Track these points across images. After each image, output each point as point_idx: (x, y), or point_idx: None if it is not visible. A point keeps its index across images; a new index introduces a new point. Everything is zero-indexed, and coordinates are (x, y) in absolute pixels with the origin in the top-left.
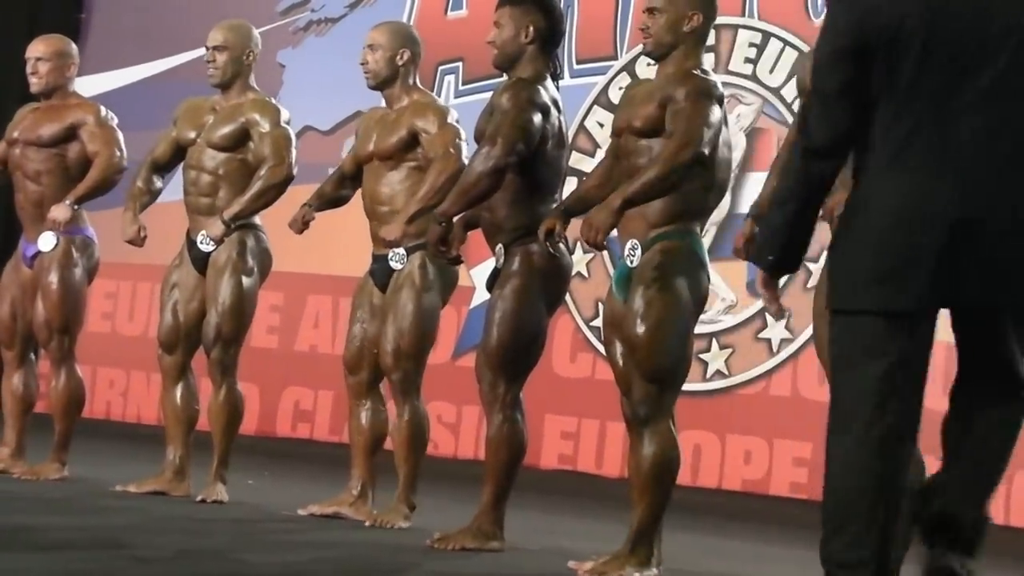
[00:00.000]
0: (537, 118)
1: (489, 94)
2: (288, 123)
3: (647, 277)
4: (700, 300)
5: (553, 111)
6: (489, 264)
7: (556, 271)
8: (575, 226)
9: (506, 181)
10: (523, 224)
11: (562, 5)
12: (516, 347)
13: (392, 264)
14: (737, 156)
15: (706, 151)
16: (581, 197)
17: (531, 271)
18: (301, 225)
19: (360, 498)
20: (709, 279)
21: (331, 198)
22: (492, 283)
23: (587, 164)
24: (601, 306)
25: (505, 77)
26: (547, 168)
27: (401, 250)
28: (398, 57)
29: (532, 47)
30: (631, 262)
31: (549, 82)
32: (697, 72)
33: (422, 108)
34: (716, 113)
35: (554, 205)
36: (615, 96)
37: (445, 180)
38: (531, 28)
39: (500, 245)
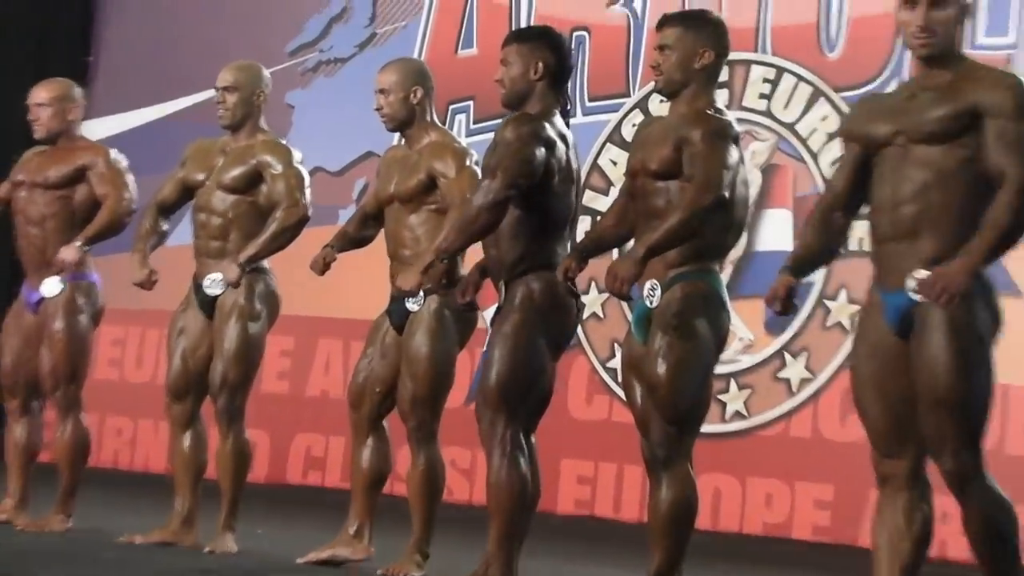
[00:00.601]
0: (540, 151)
1: None
2: (301, 163)
3: (667, 318)
4: (721, 341)
5: (560, 145)
6: None
7: (558, 307)
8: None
9: (510, 216)
10: (525, 259)
11: (573, 42)
12: (514, 384)
13: (409, 306)
14: (753, 193)
15: (726, 194)
16: (598, 237)
17: (531, 307)
18: (323, 266)
19: (356, 537)
20: (730, 319)
21: (354, 238)
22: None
23: (601, 203)
24: (617, 347)
25: None
26: (554, 203)
27: (419, 292)
28: (411, 96)
29: (541, 84)
30: (651, 303)
31: (558, 117)
32: (711, 112)
33: (440, 150)
34: (733, 154)
35: (562, 241)
36: (628, 133)
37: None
38: (540, 64)
39: (502, 282)
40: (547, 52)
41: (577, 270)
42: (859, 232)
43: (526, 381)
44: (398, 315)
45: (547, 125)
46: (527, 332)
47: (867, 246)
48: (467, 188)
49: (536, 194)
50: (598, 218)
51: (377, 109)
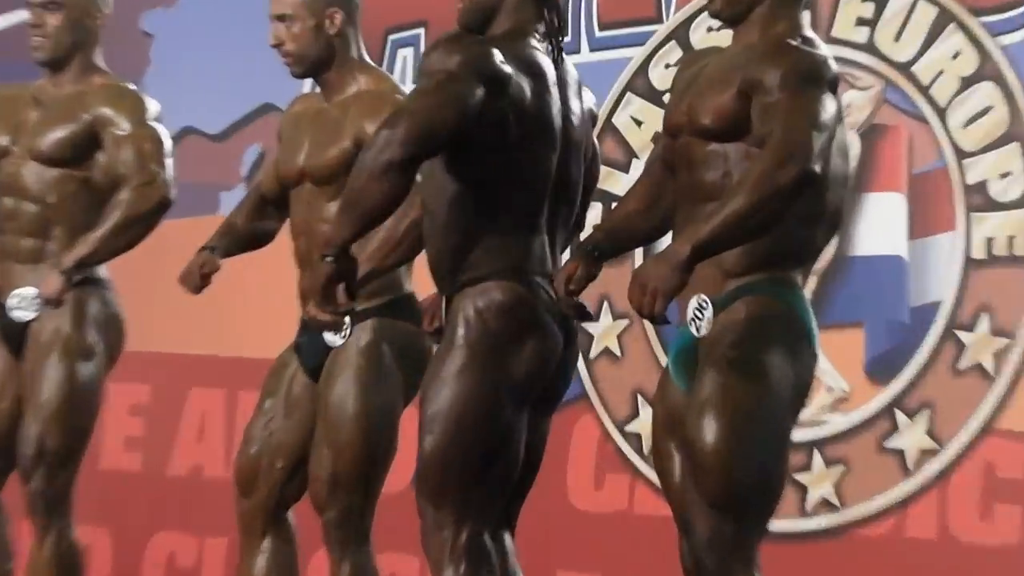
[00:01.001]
0: (476, 92)
1: None
2: (159, 120)
3: (721, 352)
4: (802, 389)
5: (523, 83)
6: None
7: (525, 333)
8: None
9: (445, 195)
10: (471, 263)
11: None
12: (460, 458)
13: (328, 339)
14: (851, 168)
15: (817, 167)
16: (616, 228)
17: (479, 336)
18: (199, 280)
19: None
20: (816, 358)
21: (244, 236)
22: None
23: (618, 182)
24: (642, 400)
25: None
26: (513, 174)
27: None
28: (327, 24)
29: None
30: (697, 329)
31: (536, 42)
32: (796, 42)
33: (374, 103)
34: (829, 107)
35: (535, 234)
36: (659, 78)
37: (410, 226)
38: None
39: (443, 297)
40: None
41: (586, 279)
42: (1008, 230)
43: (479, 452)
44: (311, 352)
45: (499, 52)
46: (473, 376)
47: (1019, 249)
48: None
49: (478, 160)
50: (614, 205)
51: (275, 45)
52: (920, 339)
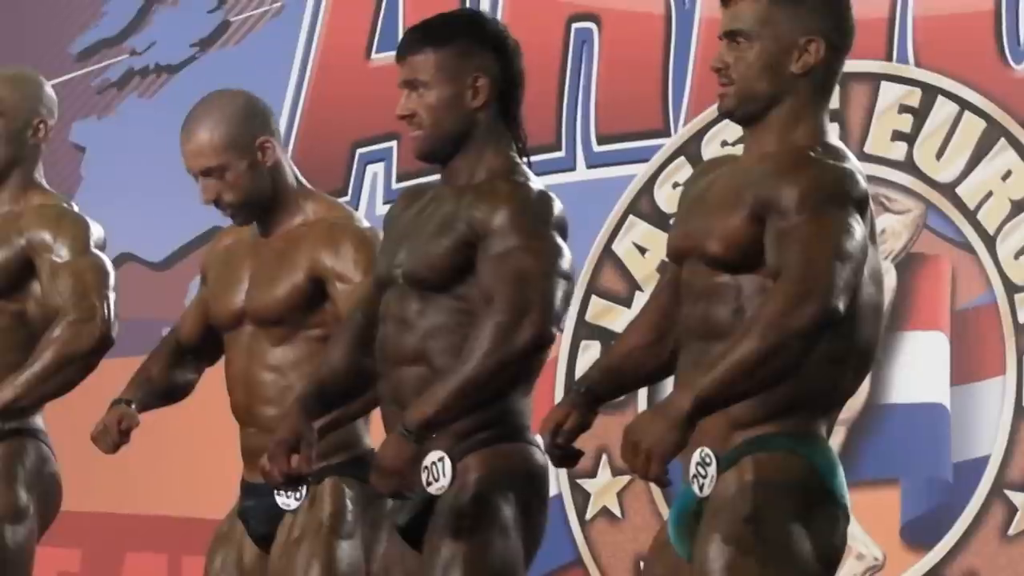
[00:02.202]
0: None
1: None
2: (102, 248)
3: (730, 516)
4: (829, 560)
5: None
6: None
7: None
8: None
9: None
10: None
11: (573, 39)
12: None
13: (281, 503)
14: (886, 301)
15: (841, 304)
16: (615, 367)
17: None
18: (115, 437)
19: None
20: (845, 522)
21: (161, 389)
22: None
23: (618, 319)
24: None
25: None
26: None
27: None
28: (259, 158)
29: (484, 113)
30: (700, 488)
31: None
32: (817, 153)
33: (332, 232)
34: (856, 231)
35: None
36: (667, 199)
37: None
38: (479, 79)
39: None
40: (487, 56)
41: (578, 428)
42: None
43: None
44: (259, 518)
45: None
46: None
47: None
48: None
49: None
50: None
51: (212, 202)
52: (965, 499)
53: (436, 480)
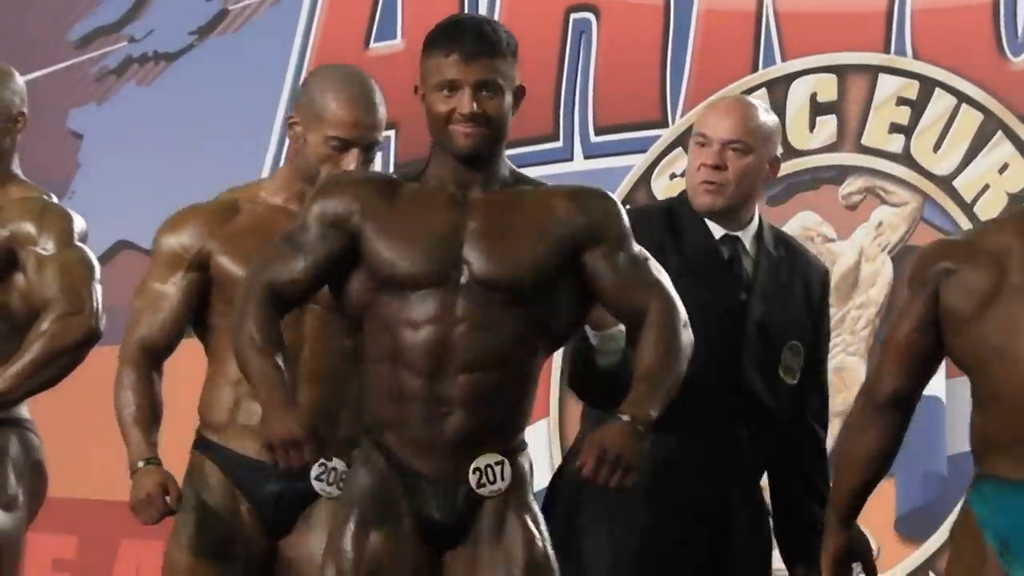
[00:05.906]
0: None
1: None
2: (84, 239)
3: None
4: None
5: None
6: None
7: None
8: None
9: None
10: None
11: (571, 30)
12: None
13: (318, 487)
14: (880, 295)
15: None
16: None
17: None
18: (162, 509)
19: None
20: None
21: (159, 415)
22: None
23: None
24: None
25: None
26: None
27: (338, 463)
28: None
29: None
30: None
31: None
32: None
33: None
34: None
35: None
36: (665, 190)
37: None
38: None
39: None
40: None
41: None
42: None
43: None
44: (283, 503)
45: None
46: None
47: None
48: None
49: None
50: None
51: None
52: (959, 492)
53: (492, 482)
